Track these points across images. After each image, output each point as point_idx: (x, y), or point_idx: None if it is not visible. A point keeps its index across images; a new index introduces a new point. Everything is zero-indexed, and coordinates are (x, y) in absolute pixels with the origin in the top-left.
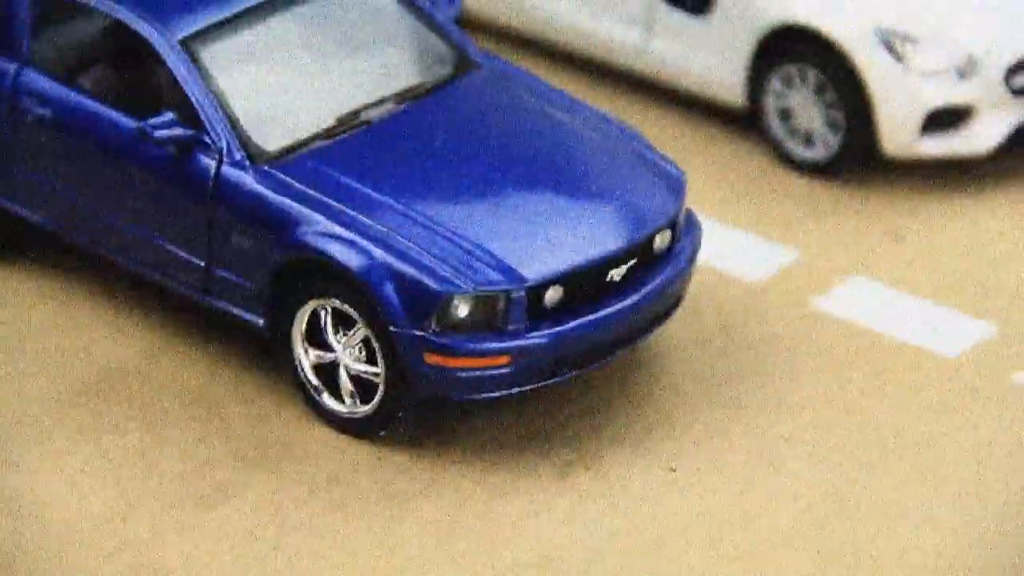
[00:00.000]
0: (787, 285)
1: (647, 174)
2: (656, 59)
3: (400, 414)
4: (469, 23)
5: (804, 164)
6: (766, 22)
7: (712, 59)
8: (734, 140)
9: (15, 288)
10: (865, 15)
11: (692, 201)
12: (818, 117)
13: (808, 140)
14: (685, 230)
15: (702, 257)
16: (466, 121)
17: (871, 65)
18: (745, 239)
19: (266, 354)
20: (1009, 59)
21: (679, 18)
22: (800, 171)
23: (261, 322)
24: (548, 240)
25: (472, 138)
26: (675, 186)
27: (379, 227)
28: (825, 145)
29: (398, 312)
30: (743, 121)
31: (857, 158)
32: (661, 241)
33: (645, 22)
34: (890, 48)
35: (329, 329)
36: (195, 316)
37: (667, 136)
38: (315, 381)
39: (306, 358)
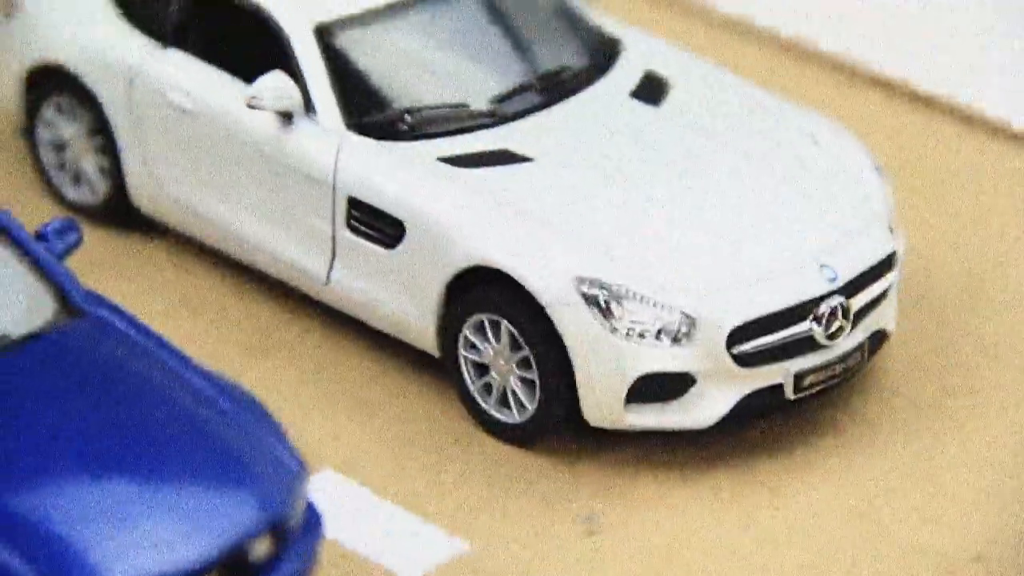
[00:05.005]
0: None
1: (253, 466)
2: (340, 292)
3: None
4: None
5: (498, 427)
6: (457, 261)
7: (400, 298)
8: (428, 391)
9: None
10: (568, 263)
11: (353, 467)
12: (512, 375)
13: (504, 400)
14: (300, 531)
15: (350, 543)
16: (47, 386)
17: (572, 321)
18: (406, 523)
19: None
20: (732, 324)
21: (365, 248)
22: (494, 435)
23: None
24: (107, 546)
25: (48, 407)
26: (287, 482)
27: None
28: (521, 408)
29: None
30: (442, 369)
31: (558, 424)
32: (260, 549)
33: (328, 250)
34: (595, 303)
35: None
36: None
37: (350, 380)
38: None
39: None
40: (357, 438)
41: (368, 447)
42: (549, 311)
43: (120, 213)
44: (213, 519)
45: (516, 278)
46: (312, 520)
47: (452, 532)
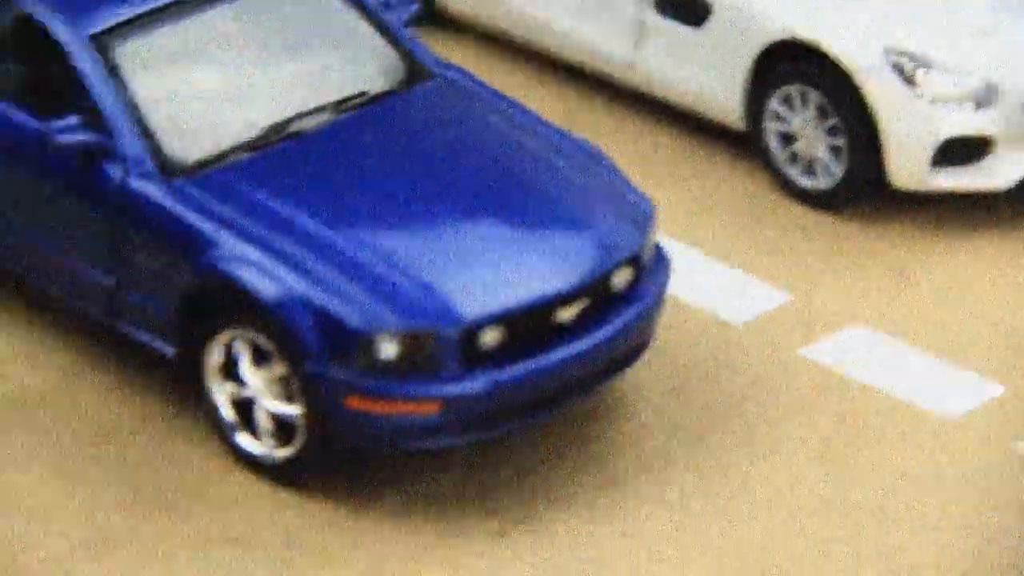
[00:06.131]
0: (774, 329)
1: (610, 204)
2: (646, 72)
3: (324, 461)
4: (442, 25)
5: (805, 194)
6: (765, 36)
7: (707, 75)
8: (732, 163)
9: None
10: (875, 33)
11: (677, 230)
12: (820, 143)
13: (810, 168)
14: (652, 267)
15: (682, 295)
16: (410, 137)
17: (879, 89)
18: (732, 276)
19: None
20: None
21: (672, 28)
22: (801, 201)
23: (170, 351)
24: (489, 275)
25: (414, 156)
26: (641, 219)
27: (300, 253)
28: (828, 174)
29: (315, 349)
30: (744, 143)
31: (863, 189)
32: (621, 279)
33: (635, 31)
34: (901, 71)
35: (245, 362)
36: (115, 343)
37: (658, 156)
38: (230, 418)
39: (221, 392)
40: (674, 205)
41: (685, 214)
42: (857, 80)
43: (423, 14)
44: (576, 251)
45: (825, 50)
46: (661, 259)
47: (773, 285)
